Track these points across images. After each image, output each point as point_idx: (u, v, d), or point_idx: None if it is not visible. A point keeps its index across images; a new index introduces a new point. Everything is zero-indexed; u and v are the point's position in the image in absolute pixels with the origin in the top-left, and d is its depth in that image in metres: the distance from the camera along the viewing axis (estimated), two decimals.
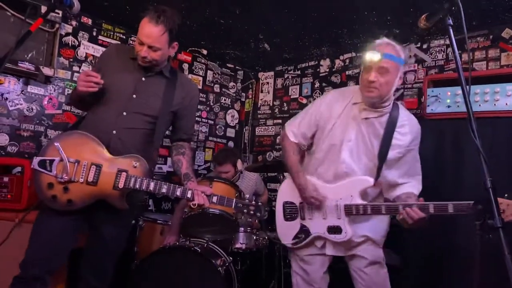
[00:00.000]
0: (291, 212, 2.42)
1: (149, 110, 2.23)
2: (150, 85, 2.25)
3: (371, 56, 2.08)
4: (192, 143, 4.65)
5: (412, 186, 2.23)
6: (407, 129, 2.21)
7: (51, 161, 2.04)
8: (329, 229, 2.25)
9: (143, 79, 2.24)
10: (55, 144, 2.06)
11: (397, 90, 2.28)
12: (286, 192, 2.47)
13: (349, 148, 2.23)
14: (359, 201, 2.19)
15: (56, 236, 2.09)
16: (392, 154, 2.19)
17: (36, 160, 2.05)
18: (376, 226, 2.28)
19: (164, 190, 2.11)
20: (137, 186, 2.09)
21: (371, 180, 2.20)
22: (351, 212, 2.19)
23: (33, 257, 2.06)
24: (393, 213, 2.11)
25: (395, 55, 2.08)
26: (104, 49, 3.84)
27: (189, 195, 2.12)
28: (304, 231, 2.34)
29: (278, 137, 4.92)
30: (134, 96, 2.21)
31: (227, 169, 3.73)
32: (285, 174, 3.36)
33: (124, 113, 2.18)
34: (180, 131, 2.43)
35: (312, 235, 2.32)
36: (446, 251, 2.71)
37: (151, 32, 2.08)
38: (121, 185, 2.08)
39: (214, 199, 2.17)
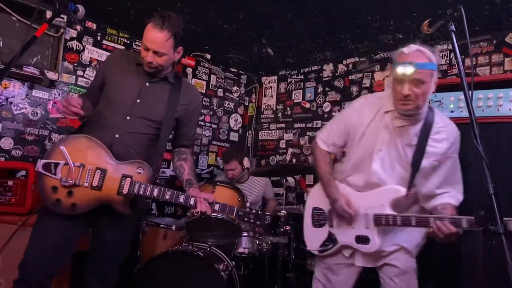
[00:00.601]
0: (319, 219, 2.36)
1: (153, 115, 2.23)
2: (154, 91, 2.26)
3: (404, 69, 1.94)
4: (195, 147, 4.68)
5: (450, 196, 2.10)
6: (444, 136, 2.10)
7: (56, 164, 2.05)
8: (357, 239, 2.17)
9: (147, 84, 2.25)
10: (60, 147, 2.07)
11: None
12: (317, 197, 2.41)
13: (380, 158, 2.14)
14: (389, 211, 2.09)
15: (57, 240, 2.09)
16: (427, 162, 2.09)
17: (40, 163, 2.05)
18: (410, 235, 2.19)
19: (167, 197, 2.12)
20: (141, 192, 2.11)
21: (403, 190, 2.09)
22: (380, 222, 2.10)
23: (33, 260, 2.05)
24: (424, 226, 1.98)
25: (427, 62, 1.96)
26: (108, 53, 3.87)
27: (191, 202, 2.13)
28: (331, 239, 2.28)
29: (282, 141, 4.92)
30: (138, 101, 2.21)
31: (234, 166, 3.86)
32: (288, 178, 3.38)
33: (128, 118, 2.19)
34: (183, 137, 2.43)
35: (340, 243, 2.25)
36: (449, 257, 2.70)
37: (156, 38, 2.09)
38: (125, 190, 2.09)
39: (216, 206, 2.17)
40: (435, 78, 2.03)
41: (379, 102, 2.21)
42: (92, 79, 3.76)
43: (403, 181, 2.13)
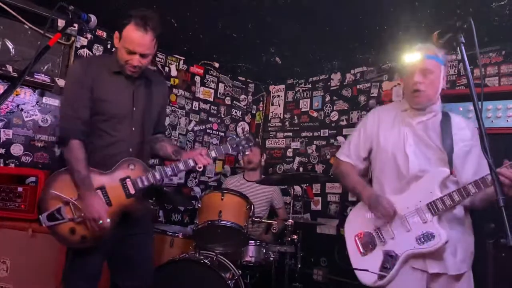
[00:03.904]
0: (367, 243, 2.18)
1: (149, 118, 2.28)
2: (141, 94, 2.26)
3: (412, 57, 2.09)
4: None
5: None
6: (463, 124, 2.15)
7: (58, 210, 2.04)
8: (418, 240, 2.00)
9: (133, 90, 2.23)
10: (51, 192, 2.05)
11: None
12: (355, 223, 2.28)
13: (412, 151, 2.12)
14: (440, 194, 1.99)
15: (98, 268, 2.15)
16: (458, 148, 2.06)
17: (43, 217, 2.02)
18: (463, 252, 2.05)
19: (170, 173, 2.19)
20: (146, 183, 2.14)
21: (447, 170, 2.01)
22: (437, 208, 1.97)
23: None
24: (483, 187, 1.87)
25: (434, 55, 2.07)
26: None
27: (192, 163, 2.19)
28: (390, 257, 2.06)
29: (289, 149, 4.92)
30: (134, 108, 2.22)
31: (254, 151, 4.02)
32: (295, 187, 3.37)
33: (133, 129, 2.20)
34: (159, 126, 2.46)
35: (402, 256, 2.03)
36: None
37: (144, 41, 2.05)
38: (132, 191, 2.12)
39: (213, 153, 2.24)
40: (443, 73, 2.12)
41: (396, 105, 2.29)
42: None
43: (443, 166, 2.06)
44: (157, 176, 2.15)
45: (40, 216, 2.03)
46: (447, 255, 2.00)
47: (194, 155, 2.19)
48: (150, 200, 2.27)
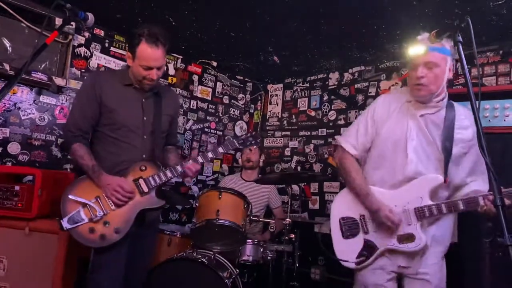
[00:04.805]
0: (350, 228, 2.22)
1: (159, 127, 2.40)
2: (151, 105, 2.41)
3: (416, 50, 2.05)
4: (199, 153, 4.69)
5: (478, 184, 2.07)
6: (468, 123, 2.10)
7: (77, 212, 2.16)
8: (399, 239, 2.07)
9: (144, 100, 2.38)
10: (69, 197, 2.18)
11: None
12: (342, 206, 2.29)
13: (413, 148, 2.09)
14: (429, 202, 2.03)
15: (121, 261, 2.25)
16: (456, 149, 2.07)
17: (65, 221, 2.14)
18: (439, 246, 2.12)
19: (180, 169, 2.33)
20: (158, 182, 2.28)
21: (440, 178, 2.03)
22: (424, 214, 2.02)
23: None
24: (473, 207, 1.91)
25: (440, 47, 2.02)
26: (115, 60, 3.92)
27: (180, 169, 2.34)
28: (369, 246, 2.14)
29: (287, 148, 4.92)
30: (145, 118, 2.36)
31: (253, 150, 4.15)
32: (292, 186, 3.37)
33: (145, 137, 2.34)
34: (170, 137, 2.62)
35: (380, 249, 2.12)
36: (455, 269, 2.67)
37: (157, 56, 2.23)
38: (145, 189, 2.26)
39: (210, 154, 2.41)
40: (450, 64, 2.08)
41: (403, 94, 2.25)
42: None
43: (439, 171, 2.07)
44: (168, 174, 2.30)
45: (61, 221, 2.14)
46: (417, 254, 2.08)
47: (193, 162, 2.38)
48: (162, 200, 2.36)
